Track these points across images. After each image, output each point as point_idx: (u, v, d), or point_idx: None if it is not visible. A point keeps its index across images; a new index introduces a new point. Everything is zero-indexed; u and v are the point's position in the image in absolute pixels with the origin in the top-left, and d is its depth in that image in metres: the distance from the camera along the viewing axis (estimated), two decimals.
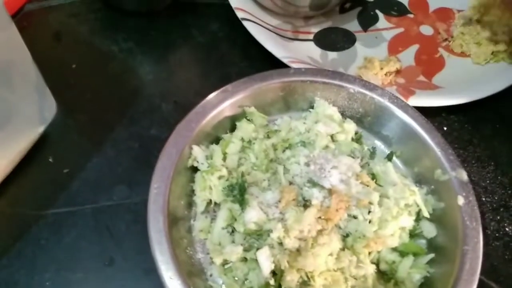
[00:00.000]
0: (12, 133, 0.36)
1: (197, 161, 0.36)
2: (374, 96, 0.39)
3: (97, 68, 0.46)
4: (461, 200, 0.33)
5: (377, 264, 0.32)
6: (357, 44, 0.49)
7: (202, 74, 0.47)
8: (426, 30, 0.51)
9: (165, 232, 0.31)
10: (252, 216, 0.32)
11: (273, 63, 0.44)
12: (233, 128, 0.38)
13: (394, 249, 0.33)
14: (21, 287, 0.33)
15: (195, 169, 0.36)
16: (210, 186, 0.35)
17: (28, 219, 0.36)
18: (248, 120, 0.38)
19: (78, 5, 0.50)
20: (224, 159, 0.36)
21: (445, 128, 0.43)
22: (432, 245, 0.33)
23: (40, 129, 0.39)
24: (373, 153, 0.39)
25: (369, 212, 0.33)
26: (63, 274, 0.34)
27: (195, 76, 0.47)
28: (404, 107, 0.38)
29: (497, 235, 0.38)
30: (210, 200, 0.35)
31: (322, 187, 0.33)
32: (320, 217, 0.32)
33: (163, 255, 0.30)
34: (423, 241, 0.34)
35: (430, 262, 0.32)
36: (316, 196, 0.32)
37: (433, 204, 0.35)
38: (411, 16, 0.52)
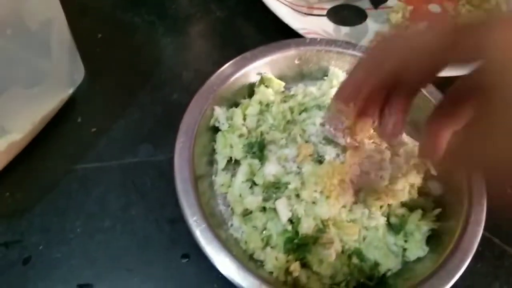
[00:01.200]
0: (45, 92, 0.38)
1: (219, 121, 0.37)
2: None
3: (121, 38, 0.47)
4: None
5: (387, 218, 0.34)
6: (368, 20, 0.50)
7: (220, 46, 0.48)
8: (435, 8, 0.52)
9: (190, 181, 0.32)
10: (271, 169, 0.34)
11: (288, 37, 0.45)
12: (251, 95, 0.40)
13: (404, 204, 0.34)
14: (54, 233, 0.35)
15: (215, 130, 0.38)
16: (230, 144, 0.36)
17: (59, 173, 0.38)
18: (266, 86, 0.40)
19: None
20: (244, 119, 0.38)
21: None
22: (439, 202, 0.35)
23: (70, 90, 0.41)
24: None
25: (381, 169, 0.34)
26: (92, 223, 0.35)
27: (213, 48, 0.48)
28: None
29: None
30: (231, 158, 0.37)
31: (337, 144, 0.34)
32: (334, 172, 0.33)
33: (189, 202, 0.31)
34: (430, 199, 0.35)
35: (437, 217, 0.34)
36: (330, 152, 0.34)
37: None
38: None
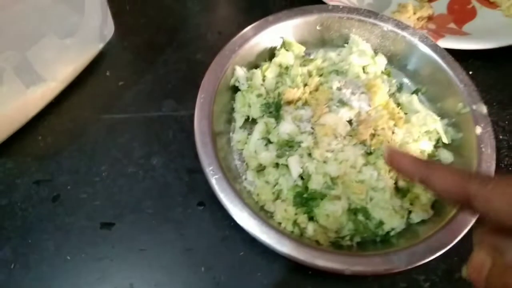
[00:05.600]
0: (77, 44, 0.37)
1: (239, 81, 0.36)
2: (406, 34, 0.38)
3: None
4: (478, 130, 0.33)
5: (395, 181, 0.33)
6: None
7: (244, 9, 0.47)
8: None
9: (209, 135, 0.32)
10: (286, 128, 0.33)
11: (311, 3, 0.43)
12: (271, 58, 0.39)
13: None
14: (81, 175, 0.35)
15: (235, 90, 0.37)
16: (249, 104, 0.36)
17: (87, 121, 0.38)
18: (287, 50, 0.39)
19: None
20: (263, 81, 0.37)
21: (470, 72, 0.42)
22: None
23: (100, 45, 0.41)
24: (400, 88, 0.38)
25: (393, 133, 0.33)
26: (116, 168, 0.36)
27: (238, 11, 0.47)
28: (433, 46, 0.37)
29: (510, 169, 0.38)
30: (248, 117, 0.36)
31: (351, 108, 0.33)
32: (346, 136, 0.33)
33: (206, 153, 0.31)
34: None
35: None
36: (342, 113, 0.33)
37: (452, 135, 0.35)
38: None
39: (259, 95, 0.36)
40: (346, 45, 0.40)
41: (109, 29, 0.41)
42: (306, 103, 0.34)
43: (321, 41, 0.41)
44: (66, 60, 0.37)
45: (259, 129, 0.35)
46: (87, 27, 0.38)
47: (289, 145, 0.33)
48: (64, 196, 0.34)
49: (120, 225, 0.34)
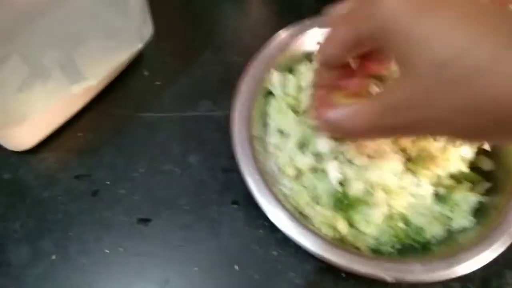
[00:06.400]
0: (118, 45, 0.38)
1: (274, 87, 0.36)
2: None
3: (187, 1, 0.47)
4: None
5: (435, 188, 0.32)
6: None
7: (277, 13, 0.47)
8: None
9: (247, 138, 0.32)
10: (324, 146, 0.32)
11: None
12: (306, 62, 0.39)
13: (453, 177, 0.32)
14: (119, 171, 0.36)
15: (270, 93, 0.37)
16: (283, 111, 0.36)
17: (126, 119, 0.39)
18: None
19: None
20: (298, 89, 0.37)
21: None
22: (488, 177, 0.33)
23: (139, 45, 0.41)
24: None
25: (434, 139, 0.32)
26: (154, 165, 0.36)
27: (272, 14, 0.47)
28: None
29: None
30: None
31: None
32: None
33: (244, 153, 0.31)
34: (480, 174, 0.33)
35: (486, 191, 0.32)
36: None
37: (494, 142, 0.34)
38: None
39: (293, 107, 0.35)
40: None
41: (148, 30, 0.42)
42: None
43: None
44: (108, 60, 0.38)
45: (293, 140, 0.34)
46: (128, 29, 0.38)
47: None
48: (103, 191, 0.35)
49: (156, 220, 0.34)
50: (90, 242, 0.33)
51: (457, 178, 0.32)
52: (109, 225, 0.33)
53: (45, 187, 0.35)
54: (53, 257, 0.32)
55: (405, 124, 0.21)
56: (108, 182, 0.35)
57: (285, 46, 0.37)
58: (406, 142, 0.31)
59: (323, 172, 0.32)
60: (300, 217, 0.30)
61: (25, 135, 0.36)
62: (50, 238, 0.33)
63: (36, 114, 0.34)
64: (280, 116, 0.35)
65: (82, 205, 0.34)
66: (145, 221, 0.34)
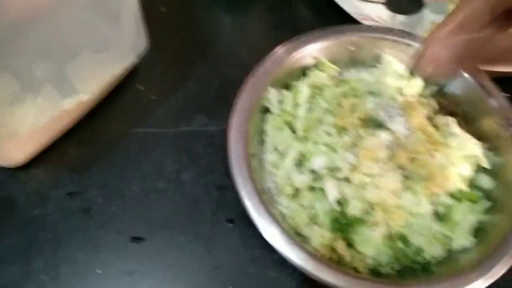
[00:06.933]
0: (112, 58, 0.37)
1: (271, 103, 0.36)
2: None
3: (183, 13, 0.46)
4: None
5: (434, 206, 0.31)
6: (424, 10, 0.47)
7: (274, 27, 0.46)
8: None
9: (243, 156, 0.31)
10: (320, 163, 0.32)
11: (342, 20, 0.43)
12: (302, 78, 0.38)
13: (452, 195, 0.31)
14: (111, 188, 0.35)
15: (267, 111, 0.36)
16: (279, 129, 0.35)
17: (119, 135, 0.38)
18: (320, 70, 0.38)
19: None
20: (295, 106, 0.36)
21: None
22: (488, 196, 0.32)
23: (133, 59, 0.41)
24: (436, 110, 0.37)
25: (431, 156, 0.32)
26: (147, 182, 0.35)
27: (269, 27, 0.46)
28: None
29: None
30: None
31: (389, 131, 0.32)
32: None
33: (241, 172, 0.30)
34: (480, 193, 0.33)
35: (486, 210, 0.31)
36: (382, 137, 0.32)
37: (492, 160, 0.33)
38: None
39: (290, 124, 0.34)
40: (377, 64, 0.39)
41: (143, 43, 0.41)
42: (341, 129, 0.33)
43: (352, 61, 0.39)
44: (101, 73, 0.38)
45: (291, 157, 0.33)
46: (122, 41, 0.38)
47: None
48: (95, 209, 0.34)
49: (149, 240, 0.33)
50: (81, 262, 0.32)
51: (457, 197, 0.31)
52: (101, 244, 0.33)
53: (36, 205, 0.34)
54: (44, 277, 0.31)
55: None
56: (101, 200, 0.34)
57: (281, 62, 0.36)
58: (404, 159, 0.31)
59: (321, 190, 0.31)
60: (298, 237, 0.29)
61: (16, 151, 0.35)
62: (41, 258, 0.32)
63: (27, 130, 0.33)
64: (276, 133, 0.34)
65: (73, 223, 0.33)
66: (138, 240, 0.33)
